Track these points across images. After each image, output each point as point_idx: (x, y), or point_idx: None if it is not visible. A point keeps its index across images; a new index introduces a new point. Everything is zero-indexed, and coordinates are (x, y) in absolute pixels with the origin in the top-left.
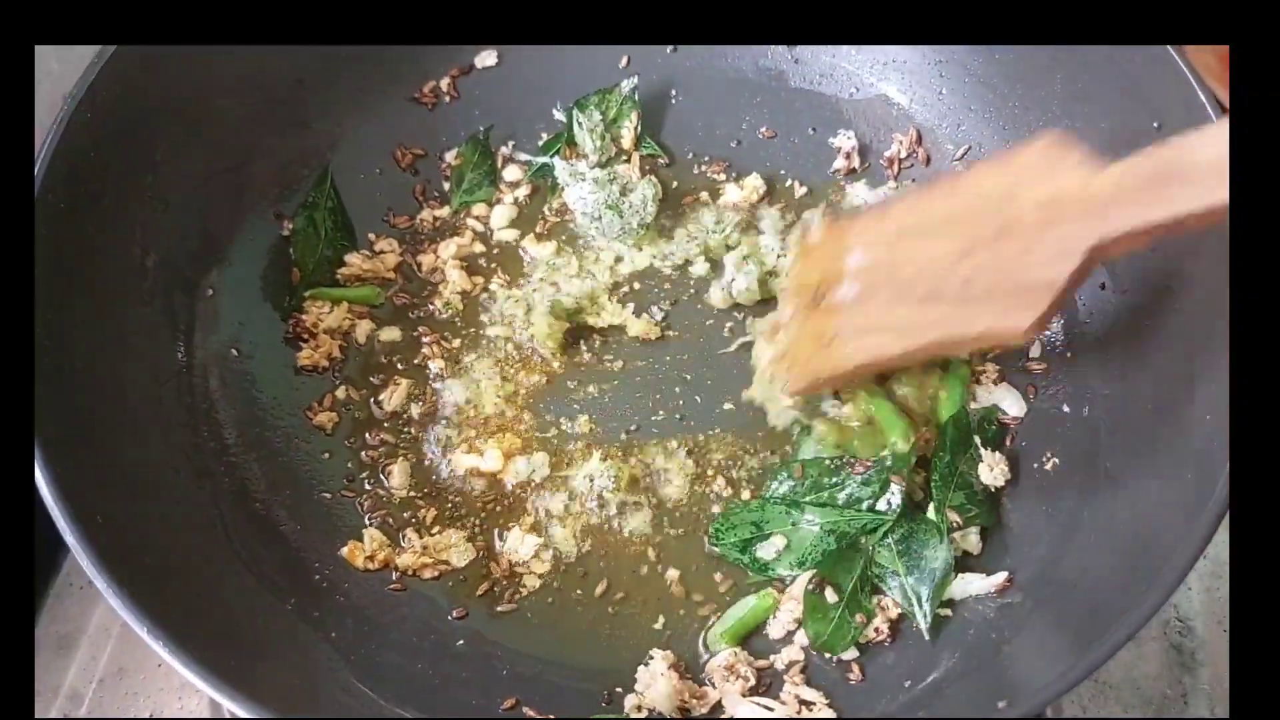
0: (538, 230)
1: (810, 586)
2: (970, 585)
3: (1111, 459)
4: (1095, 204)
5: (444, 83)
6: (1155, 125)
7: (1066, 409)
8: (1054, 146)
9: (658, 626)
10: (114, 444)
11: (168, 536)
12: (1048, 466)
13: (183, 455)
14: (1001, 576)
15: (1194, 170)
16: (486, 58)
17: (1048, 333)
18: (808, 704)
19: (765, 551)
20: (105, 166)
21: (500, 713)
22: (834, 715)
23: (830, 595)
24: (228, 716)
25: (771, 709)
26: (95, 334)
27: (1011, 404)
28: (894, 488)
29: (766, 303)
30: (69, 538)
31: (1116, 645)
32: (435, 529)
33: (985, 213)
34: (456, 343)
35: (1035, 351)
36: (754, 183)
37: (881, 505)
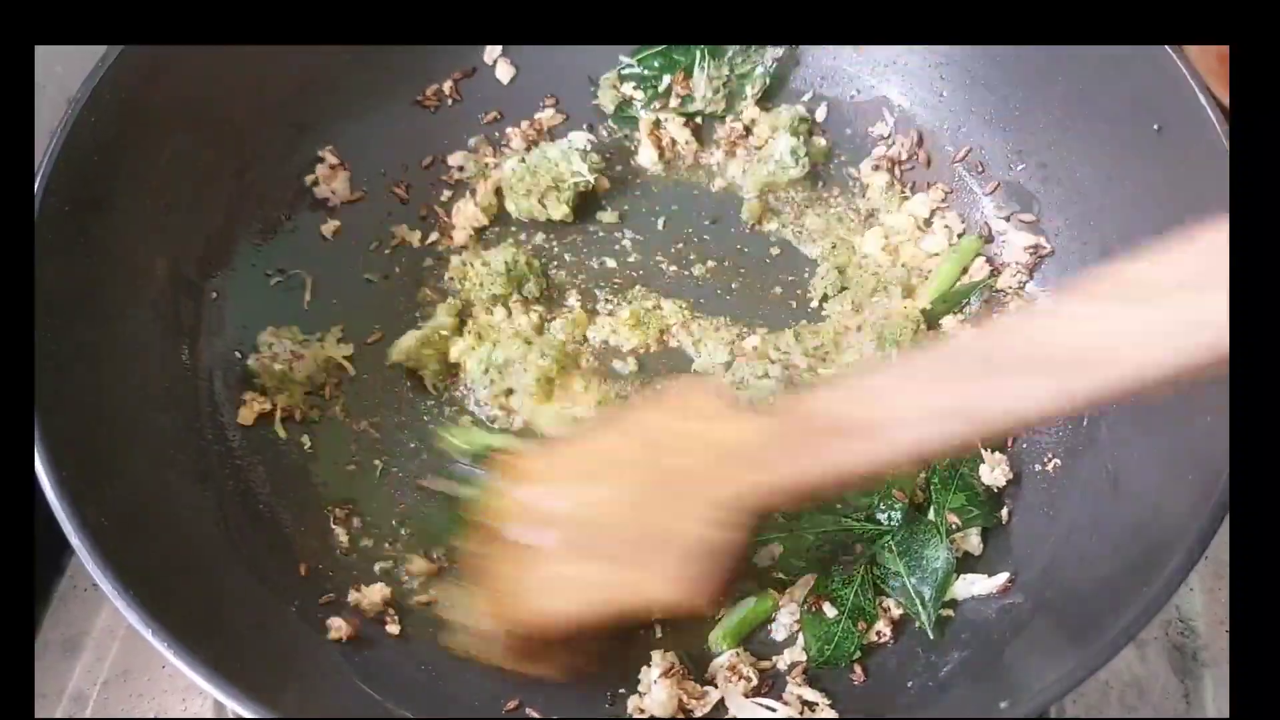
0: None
1: (806, 608)
2: (973, 586)
3: (1112, 459)
4: (743, 459)
5: (446, 85)
6: (1156, 128)
7: None
8: (709, 389)
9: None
10: (118, 447)
11: (172, 539)
12: (1049, 467)
13: (186, 458)
14: (1003, 577)
15: (833, 429)
16: (491, 58)
17: None
18: (810, 704)
19: (761, 559)
20: (110, 170)
21: (503, 713)
22: (836, 716)
23: (829, 610)
24: (231, 718)
25: (774, 709)
26: (99, 336)
27: None
28: (894, 498)
29: None
30: (73, 540)
31: (1118, 646)
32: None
33: (657, 457)
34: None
35: None
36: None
37: (881, 516)
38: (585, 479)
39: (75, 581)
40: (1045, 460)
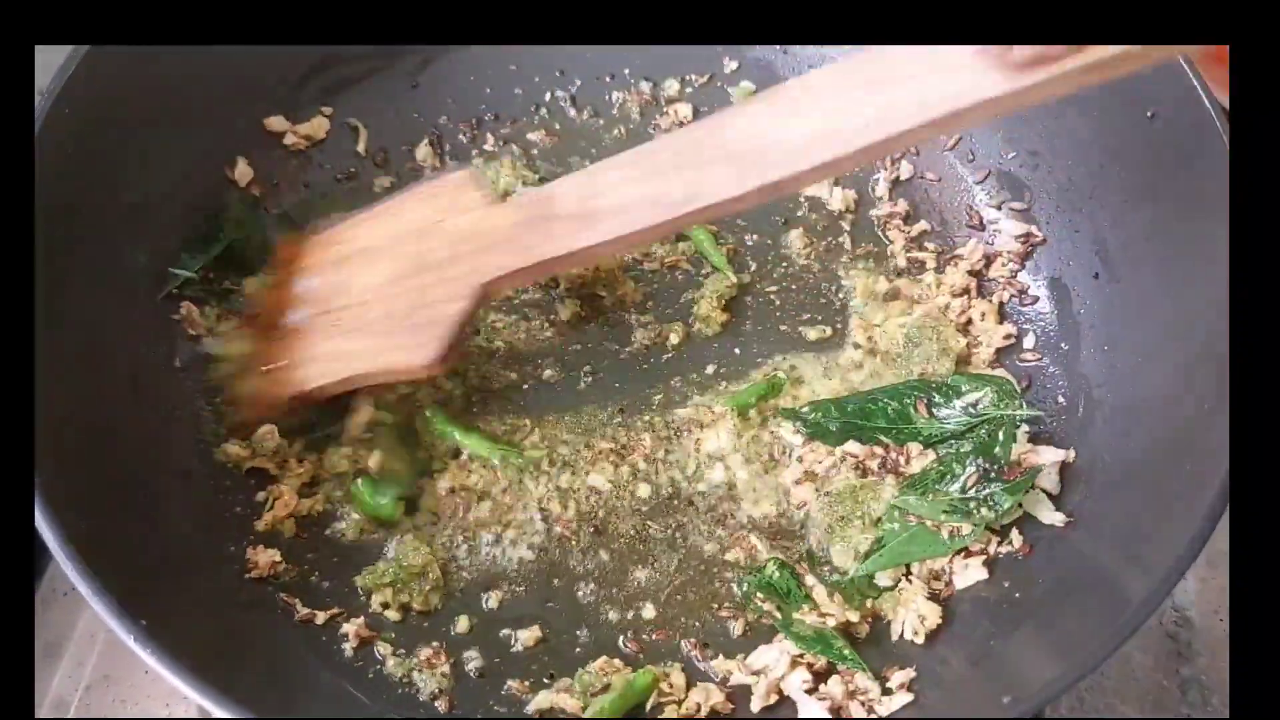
0: None
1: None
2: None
3: (1109, 450)
4: (485, 243)
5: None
6: (1149, 115)
7: (1062, 400)
8: (464, 182)
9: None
10: (97, 446)
11: (153, 540)
12: None
13: (169, 457)
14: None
15: (555, 217)
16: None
17: (1042, 315)
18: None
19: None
20: (86, 163)
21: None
22: (828, 716)
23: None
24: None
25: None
26: (75, 335)
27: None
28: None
29: None
30: (51, 543)
31: (1120, 639)
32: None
33: (408, 245)
34: None
35: (1029, 343)
36: None
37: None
38: (346, 264)
39: (55, 585)
40: None
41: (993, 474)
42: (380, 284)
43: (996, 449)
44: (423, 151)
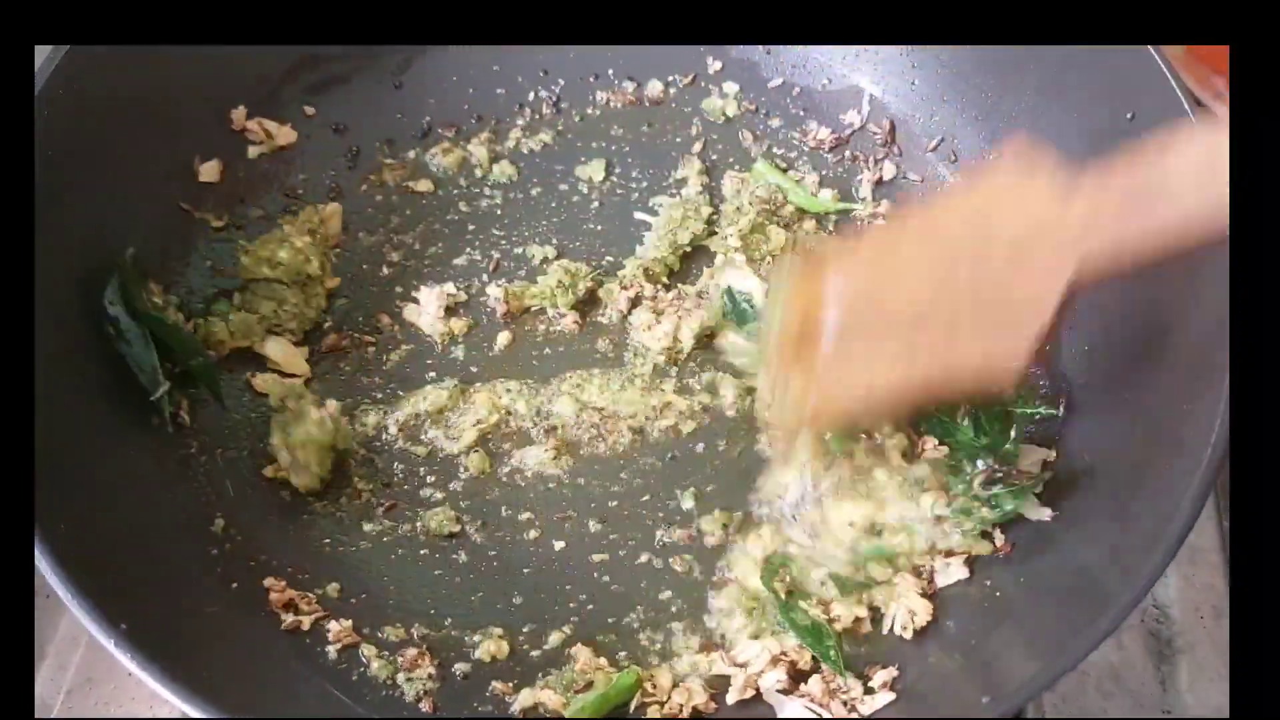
0: None
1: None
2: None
3: (1089, 448)
4: (1069, 235)
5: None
6: (1129, 116)
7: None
8: (1021, 165)
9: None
10: (77, 448)
11: (134, 543)
12: None
13: (151, 459)
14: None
15: (1171, 185)
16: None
17: None
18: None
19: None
20: (65, 161)
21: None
22: (815, 716)
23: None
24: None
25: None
26: (58, 334)
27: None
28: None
29: None
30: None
31: (1099, 638)
32: None
33: (958, 255)
34: None
35: None
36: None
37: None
38: (881, 280)
39: (36, 588)
40: None
41: (1000, 474)
42: (932, 295)
43: (1008, 446)
44: (412, 152)
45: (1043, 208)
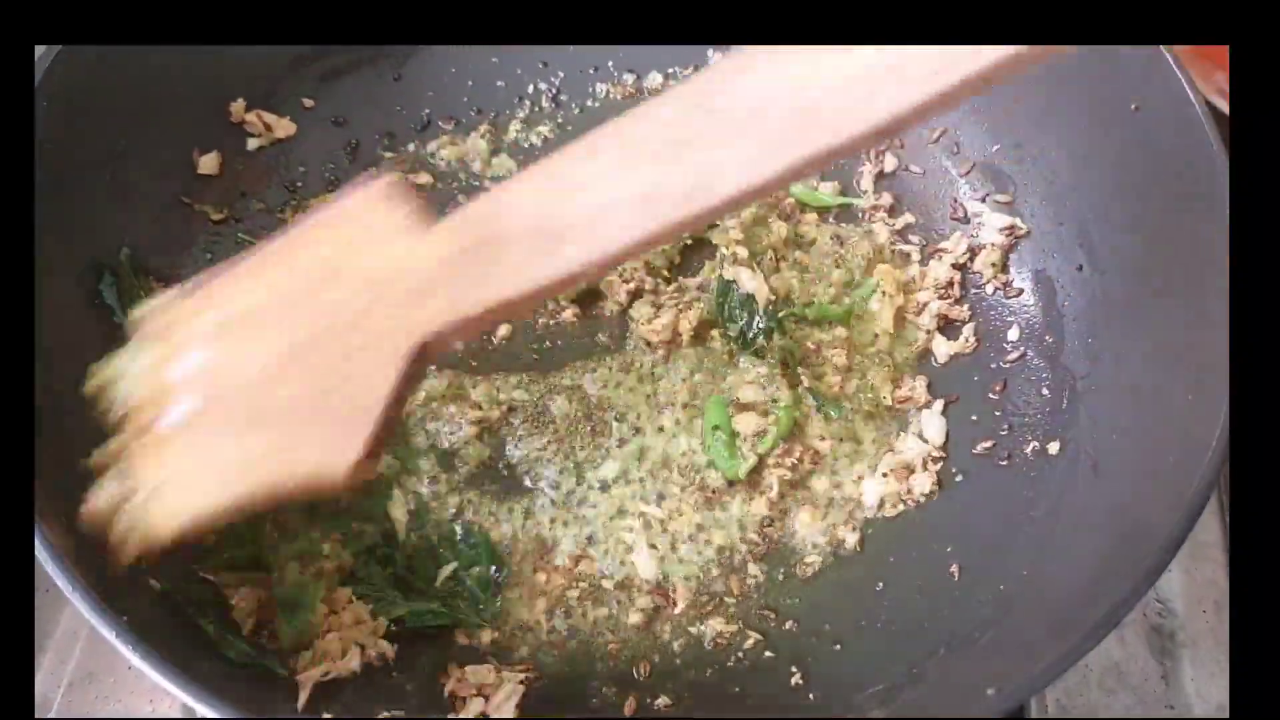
0: None
1: None
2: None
3: (1093, 443)
4: (414, 286)
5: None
6: (1133, 107)
7: (1046, 392)
8: (381, 198)
9: None
10: (77, 438)
11: None
12: (1028, 451)
13: None
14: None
15: (510, 243)
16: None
17: (1027, 308)
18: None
19: None
20: (63, 158)
21: None
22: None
23: None
24: (200, 719)
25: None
26: (58, 329)
27: (934, 429)
28: None
29: None
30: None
31: (1104, 631)
32: None
33: (312, 296)
34: None
35: (1014, 335)
36: None
37: None
38: (232, 332)
39: (36, 581)
40: (1025, 444)
41: None
42: (280, 355)
43: None
44: (411, 144)
45: (398, 245)
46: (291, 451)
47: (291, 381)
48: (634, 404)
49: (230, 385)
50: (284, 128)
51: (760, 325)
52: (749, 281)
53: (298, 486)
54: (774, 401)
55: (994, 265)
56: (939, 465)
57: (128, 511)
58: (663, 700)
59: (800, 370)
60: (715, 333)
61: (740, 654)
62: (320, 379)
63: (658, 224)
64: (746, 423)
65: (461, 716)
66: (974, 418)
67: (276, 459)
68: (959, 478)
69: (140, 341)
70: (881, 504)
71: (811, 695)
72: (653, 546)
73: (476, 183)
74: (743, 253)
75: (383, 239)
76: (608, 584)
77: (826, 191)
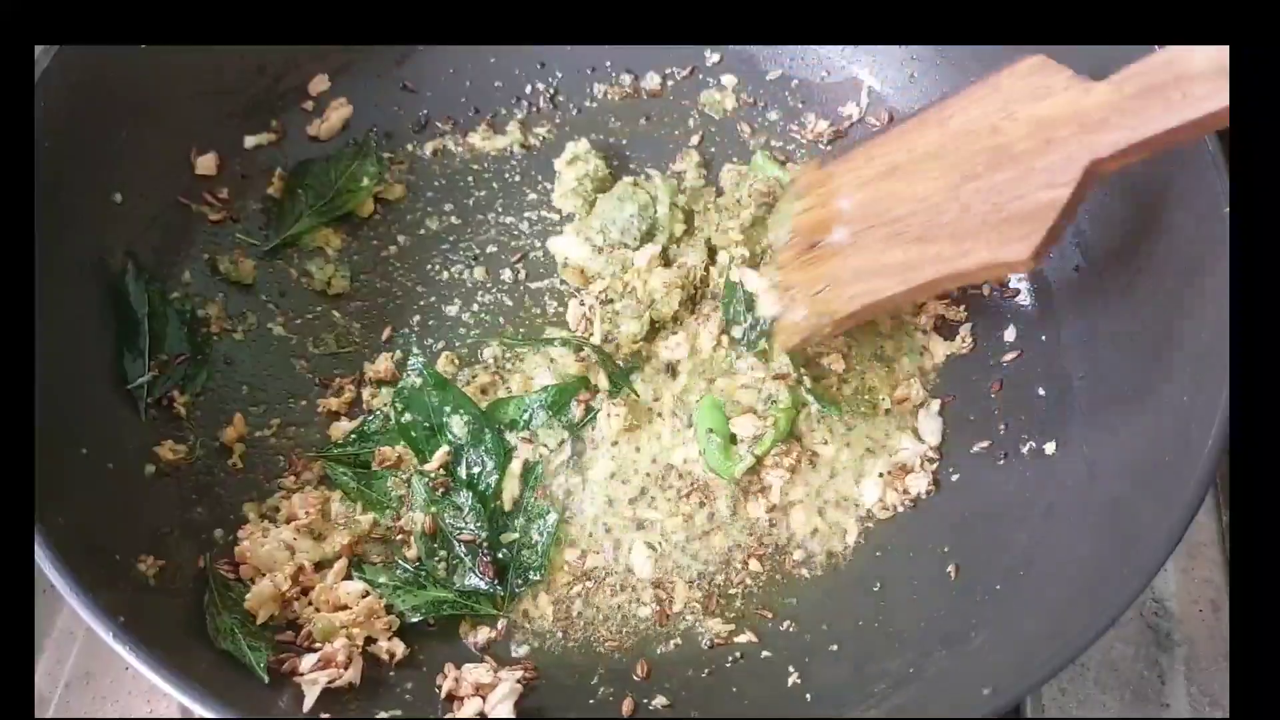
0: None
1: None
2: None
3: (1088, 442)
4: (1089, 121)
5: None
6: None
7: (1042, 392)
8: (1040, 68)
9: None
10: (75, 441)
11: (131, 536)
12: (1024, 451)
13: (148, 452)
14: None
15: (1189, 78)
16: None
17: (1023, 308)
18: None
19: None
20: (61, 158)
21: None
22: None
23: None
24: (196, 718)
25: None
26: (58, 330)
27: (930, 429)
28: None
29: None
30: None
31: (1100, 630)
32: None
33: (975, 143)
34: None
35: (1010, 335)
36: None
37: None
38: (894, 175)
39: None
40: (1021, 444)
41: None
42: (946, 187)
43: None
44: (409, 144)
45: (1060, 99)
46: (962, 256)
47: (962, 202)
48: (633, 404)
49: (884, 217)
50: (282, 127)
51: (763, 326)
52: (755, 282)
53: (979, 271)
54: (772, 403)
55: None
56: (935, 465)
57: (812, 303)
58: (660, 700)
59: (799, 371)
60: (723, 337)
61: (738, 654)
62: (992, 199)
63: None
64: (745, 424)
65: (459, 716)
66: (971, 418)
67: (947, 261)
68: (955, 477)
69: (792, 196)
70: (879, 504)
71: (809, 695)
72: (651, 547)
73: (475, 180)
74: (744, 253)
75: (1046, 93)
76: (608, 584)
77: None
